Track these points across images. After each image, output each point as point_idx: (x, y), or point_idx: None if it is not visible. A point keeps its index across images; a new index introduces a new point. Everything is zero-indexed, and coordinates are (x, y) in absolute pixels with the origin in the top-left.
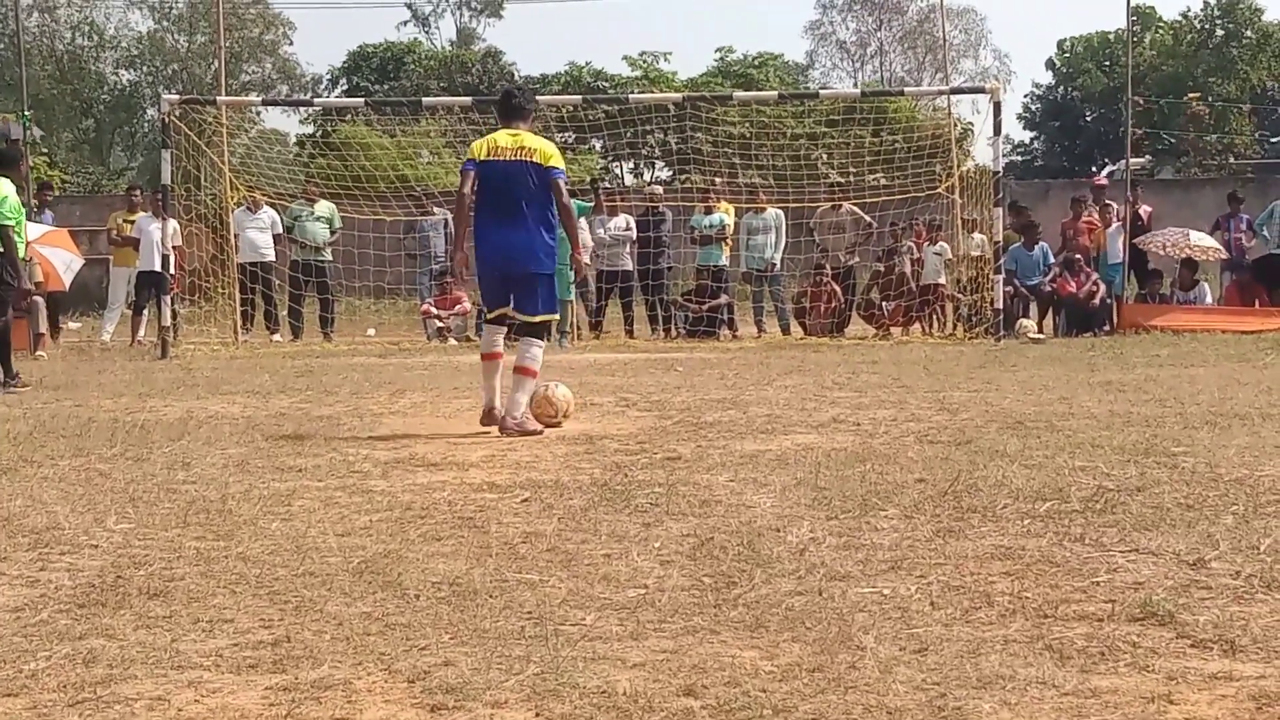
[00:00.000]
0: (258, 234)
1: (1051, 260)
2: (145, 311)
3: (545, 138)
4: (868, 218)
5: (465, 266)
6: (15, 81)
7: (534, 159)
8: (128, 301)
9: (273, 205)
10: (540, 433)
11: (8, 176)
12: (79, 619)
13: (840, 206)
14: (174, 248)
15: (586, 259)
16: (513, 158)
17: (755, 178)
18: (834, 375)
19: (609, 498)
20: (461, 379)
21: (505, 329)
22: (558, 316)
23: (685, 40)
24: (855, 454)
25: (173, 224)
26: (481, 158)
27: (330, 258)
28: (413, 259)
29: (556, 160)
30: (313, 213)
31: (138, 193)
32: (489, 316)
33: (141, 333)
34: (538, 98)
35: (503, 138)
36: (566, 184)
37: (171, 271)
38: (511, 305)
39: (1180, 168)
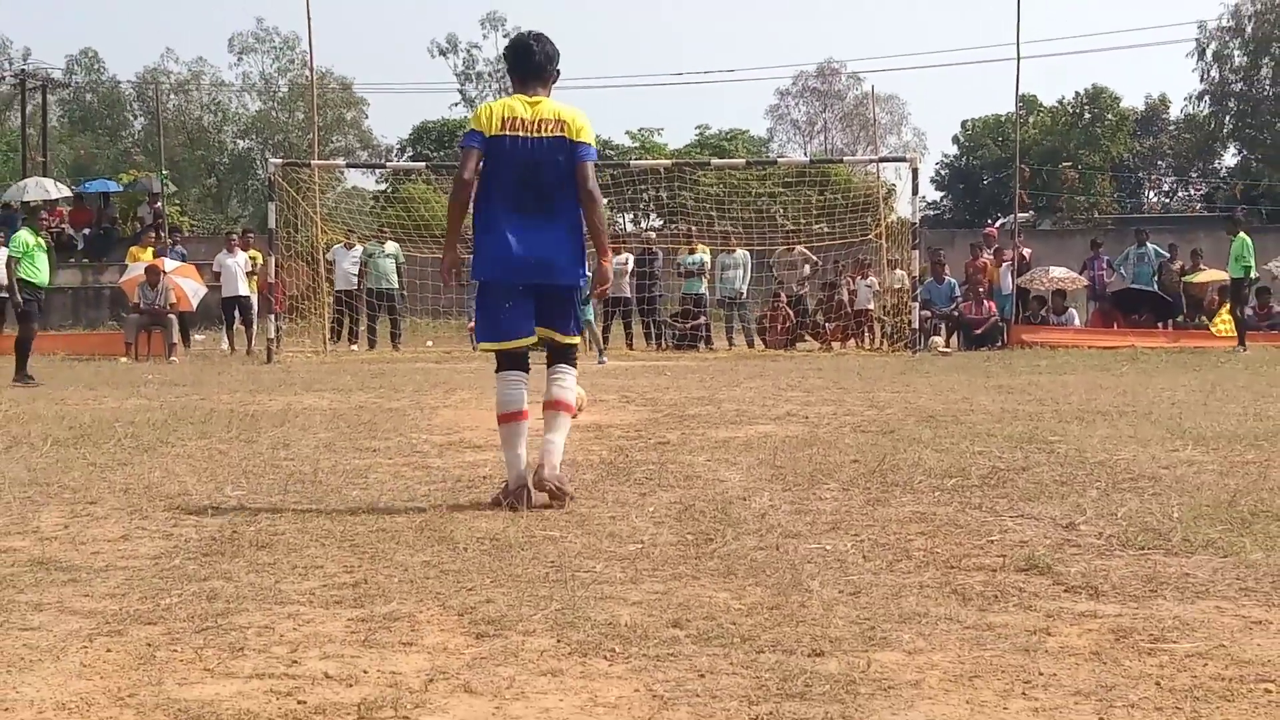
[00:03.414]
0: (351, 267)
1: (957, 291)
2: (235, 328)
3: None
4: (814, 257)
5: (456, 269)
6: (156, 148)
7: (562, 133)
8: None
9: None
10: (573, 498)
11: (30, 226)
12: (203, 565)
13: (793, 248)
14: (276, 278)
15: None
16: (534, 132)
17: (727, 226)
18: (787, 379)
19: (613, 473)
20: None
21: (528, 373)
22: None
23: (673, 118)
24: (804, 440)
25: (244, 256)
26: (491, 132)
27: (398, 286)
28: (462, 287)
29: (588, 134)
30: (384, 251)
31: (234, 236)
32: (503, 348)
33: (224, 345)
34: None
35: (519, 105)
36: (597, 167)
37: (272, 297)
38: (539, 326)
39: (1056, 221)
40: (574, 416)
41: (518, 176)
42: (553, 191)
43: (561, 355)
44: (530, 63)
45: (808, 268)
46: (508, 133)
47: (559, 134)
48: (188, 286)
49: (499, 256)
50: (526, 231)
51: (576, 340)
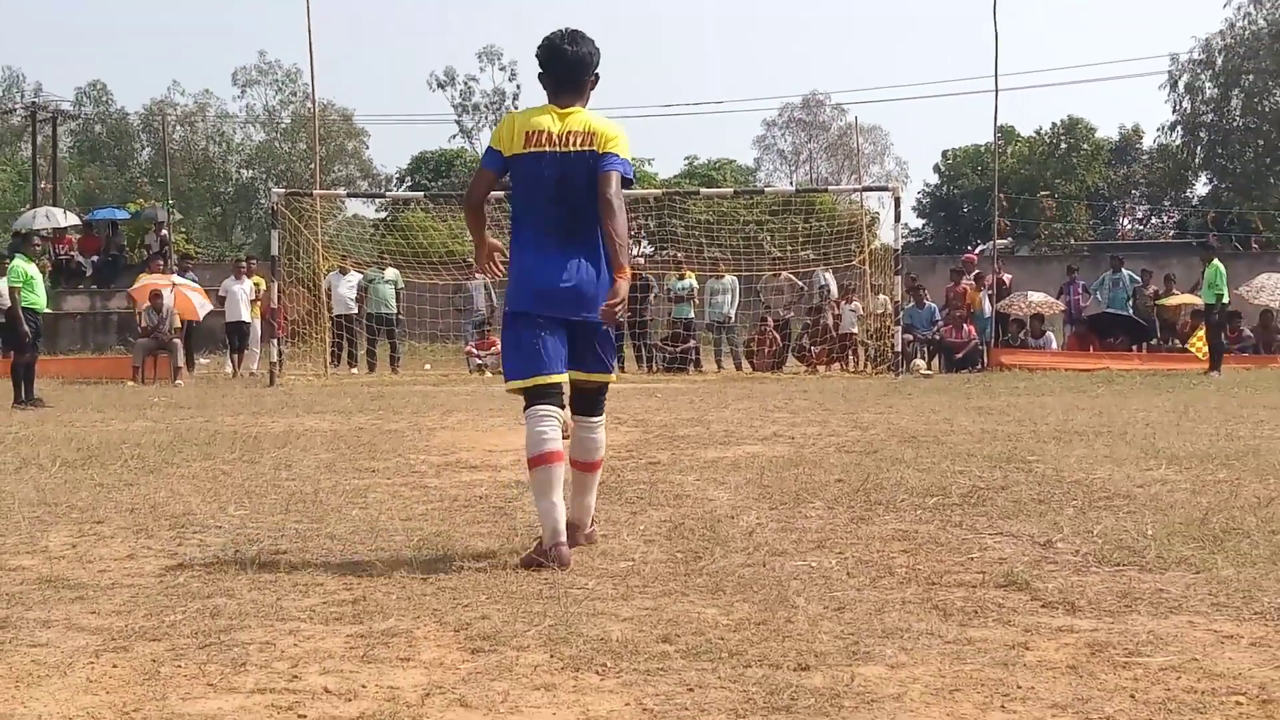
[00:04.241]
0: (347, 292)
1: (937, 316)
2: (241, 351)
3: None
4: (800, 283)
5: (497, 251)
6: (163, 178)
7: (591, 146)
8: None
9: (356, 271)
10: (595, 543)
11: (23, 254)
12: (206, 582)
13: (780, 274)
14: (279, 303)
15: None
16: (563, 146)
17: (716, 253)
18: (774, 401)
19: (605, 492)
20: (495, 403)
21: (561, 407)
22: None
23: (663, 149)
24: (790, 460)
25: (249, 283)
26: (511, 151)
27: (397, 311)
28: (459, 312)
29: (619, 145)
30: (383, 277)
31: (241, 262)
32: (532, 385)
33: (228, 368)
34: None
35: (545, 118)
36: (625, 182)
37: (275, 322)
38: (569, 366)
39: (1033, 247)
40: (599, 472)
41: (546, 196)
42: (586, 213)
43: (590, 403)
44: (563, 67)
45: (794, 293)
46: (531, 149)
47: (589, 147)
48: (195, 300)
49: (528, 287)
50: (559, 258)
51: (610, 379)
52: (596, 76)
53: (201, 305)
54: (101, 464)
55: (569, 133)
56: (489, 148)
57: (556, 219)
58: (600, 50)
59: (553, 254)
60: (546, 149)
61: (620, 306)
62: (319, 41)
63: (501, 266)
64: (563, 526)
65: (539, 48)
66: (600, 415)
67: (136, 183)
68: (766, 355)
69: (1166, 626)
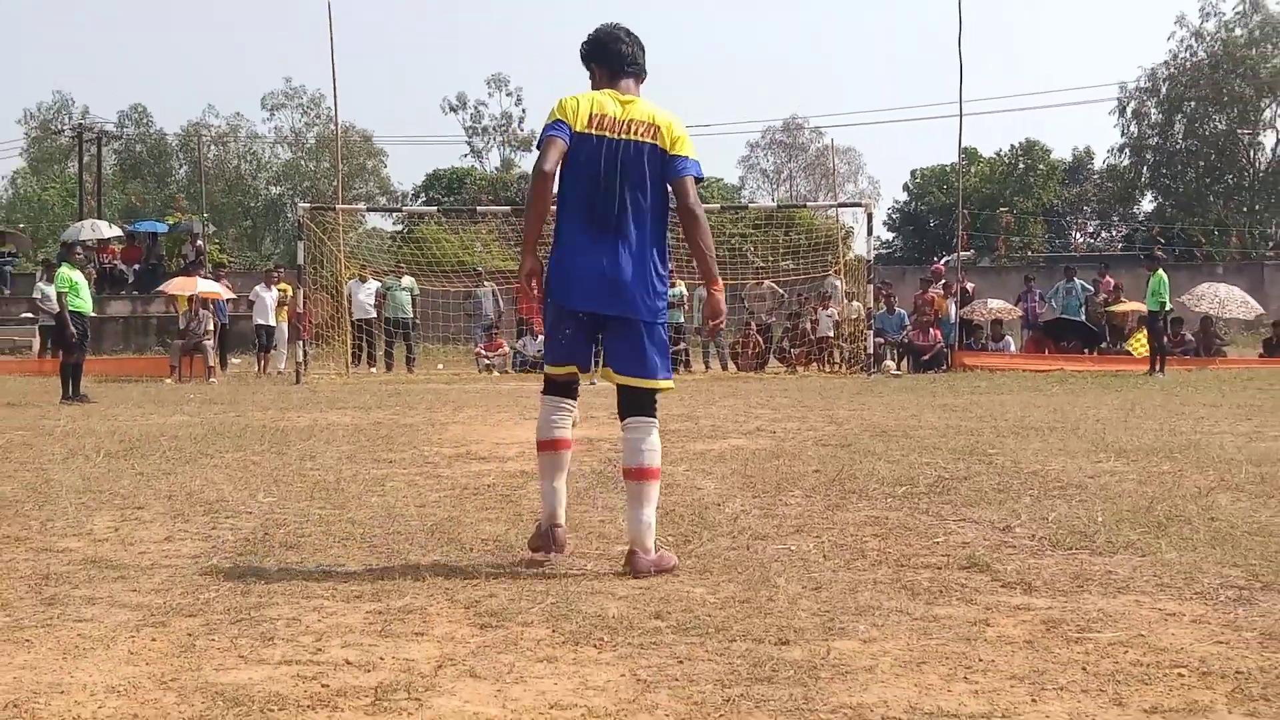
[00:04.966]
0: (366, 298)
1: (906, 321)
2: (267, 352)
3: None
4: (781, 291)
5: (536, 280)
6: (198, 193)
7: (654, 139)
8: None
9: (375, 279)
10: (677, 567)
11: (69, 262)
12: (238, 563)
13: (762, 283)
14: (304, 308)
15: (720, 305)
16: (624, 134)
17: None
18: (757, 399)
19: (602, 481)
20: (502, 400)
21: (575, 401)
22: (672, 384)
23: None
24: (772, 453)
25: (276, 291)
26: (579, 127)
27: (412, 315)
28: (469, 317)
29: (687, 146)
30: (400, 285)
31: (270, 271)
32: (553, 374)
33: (258, 367)
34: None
35: (609, 101)
36: (697, 181)
37: (300, 325)
38: (607, 367)
39: (994, 259)
40: (658, 481)
41: (598, 184)
42: (634, 205)
43: (636, 404)
44: (621, 55)
45: (775, 300)
46: (594, 131)
47: (652, 140)
48: (218, 288)
49: (563, 277)
50: (598, 248)
51: (662, 385)
52: (646, 72)
53: (224, 291)
54: (142, 455)
55: (630, 120)
56: (556, 119)
57: (604, 208)
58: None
59: (596, 245)
60: (609, 134)
61: (721, 322)
62: (341, 69)
63: (538, 293)
64: (561, 511)
65: (593, 37)
66: (648, 416)
67: (174, 197)
68: (750, 357)
69: (1115, 605)
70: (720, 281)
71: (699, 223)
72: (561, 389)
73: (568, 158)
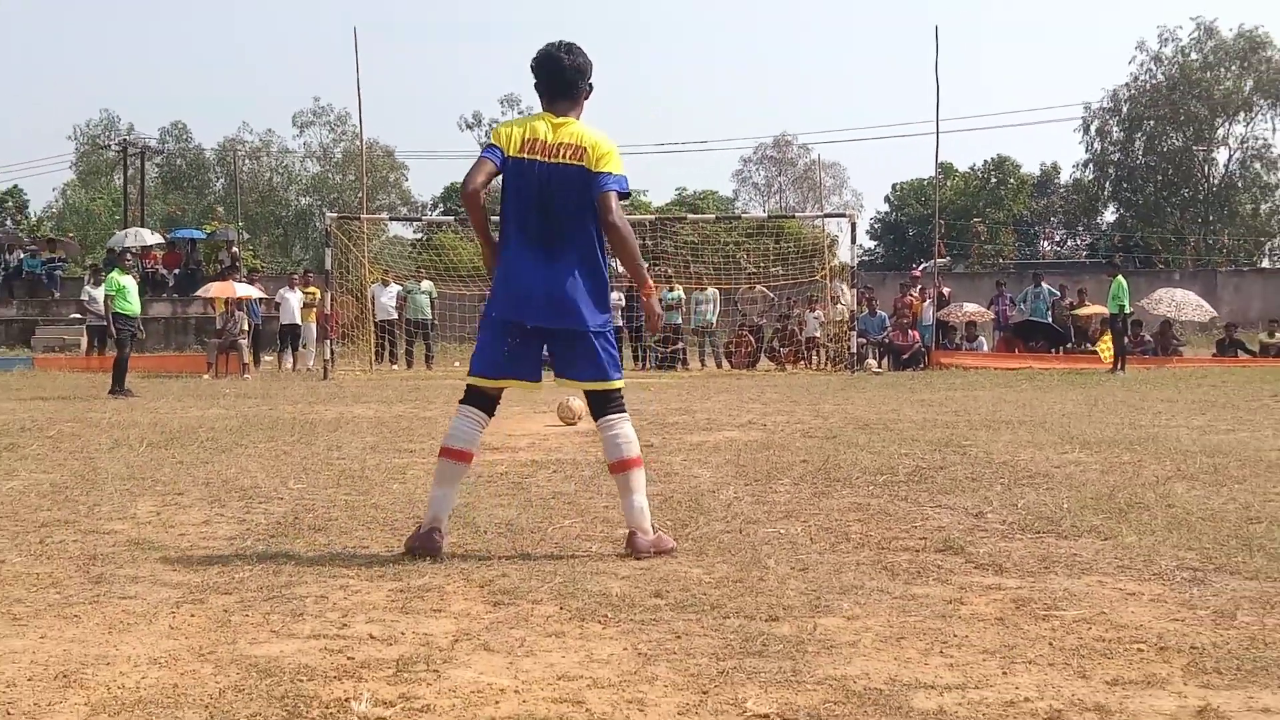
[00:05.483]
0: (388, 301)
1: (887, 323)
2: (290, 350)
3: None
4: (771, 294)
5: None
6: (234, 204)
7: (580, 160)
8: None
9: (396, 284)
10: (674, 550)
11: (119, 267)
12: (270, 544)
13: (754, 287)
14: (332, 310)
15: (655, 307)
16: (552, 157)
17: (700, 268)
18: (749, 394)
19: (605, 470)
20: (514, 394)
21: (489, 415)
22: (624, 382)
23: (657, 181)
24: (763, 444)
25: (300, 293)
26: (511, 152)
27: (431, 317)
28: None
29: (611, 162)
30: (420, 288)
31: (295, 275)
32: (479, 385)
33: (287, 364)
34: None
35: (541, 126)
36: (622, 196)
37: (328, 325)
38: (561, 376)
39: (968, 265)
40: (642, 467)
41: (533, 204)
42: (567, 224)
43: (604, 403)
44: (558, 77)
45: (766, 303)
46: (526, 155)
47: (578, 162)
48: (249, 290)
49: (508, 293)
50: (538, 266)
51: (615, 384)
52: (591, 87)
53: (254, 292)
54: (181, 445)
55: (560, 144)
56: (490, 143)
57: (541, 227)
58: (593, 63)
59: (535, 262)
60: (538, 157)
61: (659, 322)
62: (366, 89)
63: None
64: (444, 516)
65: (535, 57)
66: (618, 411)
67: (212, 208)
68: (743, 355)
69: (1079, 585)
70: (650, 286)
71: (620, 234)
72: (482, 402)
73: (505, 181)
